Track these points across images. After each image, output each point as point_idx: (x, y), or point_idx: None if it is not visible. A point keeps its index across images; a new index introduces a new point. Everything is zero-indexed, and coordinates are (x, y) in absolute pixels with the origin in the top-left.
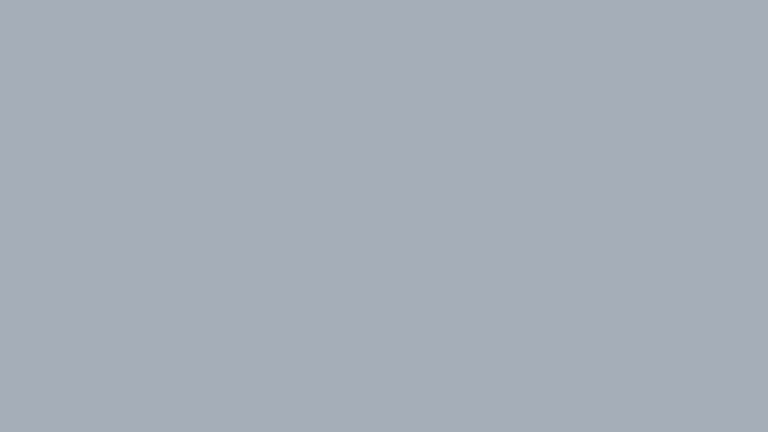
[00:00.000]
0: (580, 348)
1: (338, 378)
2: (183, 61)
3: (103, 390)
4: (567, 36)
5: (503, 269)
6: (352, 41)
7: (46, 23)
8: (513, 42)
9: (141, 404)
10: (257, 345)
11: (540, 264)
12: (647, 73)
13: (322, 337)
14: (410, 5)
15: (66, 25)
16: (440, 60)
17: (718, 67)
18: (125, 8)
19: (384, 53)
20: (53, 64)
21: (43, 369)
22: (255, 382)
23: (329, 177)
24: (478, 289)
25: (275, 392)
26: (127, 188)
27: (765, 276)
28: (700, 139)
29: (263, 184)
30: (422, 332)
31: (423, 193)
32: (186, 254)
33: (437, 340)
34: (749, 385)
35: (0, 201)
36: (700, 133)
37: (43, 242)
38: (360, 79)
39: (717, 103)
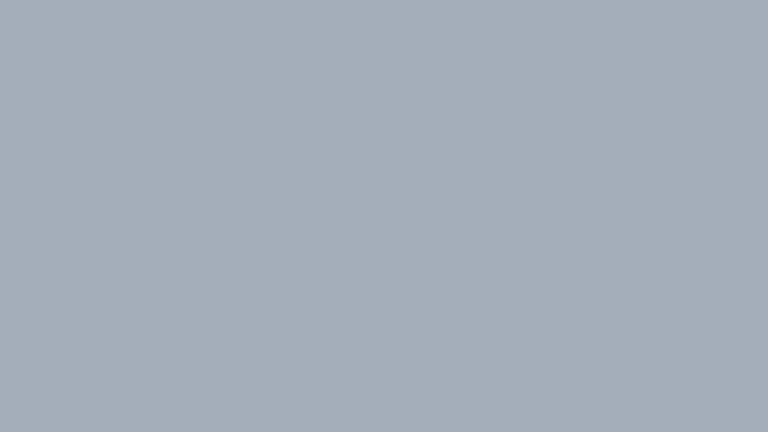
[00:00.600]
0: (580, 348)
1: (338, 378)
2: (184, 61)
3: (103, 390)
4: (567, 36)
5: (503, 269)
6: (352, 41)
7: (46, 23)
8: (513, 42)
9: (141, 404)
10: (257, 345)
11: (540, 264)
12: (647, 73)
13: (322, 337)
14: (410, 5)
15: (66, 25)
16: (440, 60)
17: (719, 67)
18: (125, 8)
19: (384, 53)
20: (53, 64)
21: (43, 369)
22: (255, 382)
23: (329, 177)
24: (478, 289)
25: (275, 392)
26: (127, 188)
27: (765, 276)
28: (700, 139)
29: (263, 184)
30: (422, 332)
31: (423, 193)
32: (186, 254)
33: (437, 340)
34: (749, 385)
35: (0, 201)
36: (700, 133)
37: (43, 242)
38: (360, 79)
39: (717, 103)
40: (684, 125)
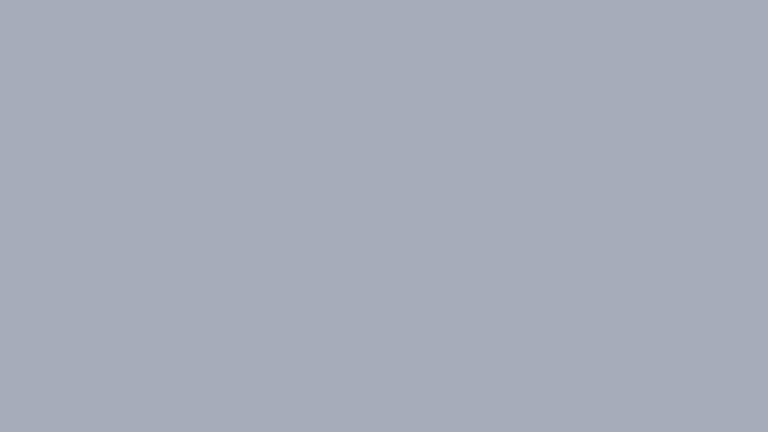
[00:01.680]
0: (580, 348)
1: (338, 378)
2: (183, 61)
3: (103, 390)
4: (567, 36)
5: (503, 269)
6: (352, 41)
7: (46, 23)
8: (513, 42)
9: (141, 404)
10: (257, 345)
11: (540, 264)
12: (647, 73)
13: (322, 337)
14: (410, 5)
15: (66, 25)
16: (440, 60)
17: (719, 67)
18: (125, 8)
19: (384, 53)
20: (53, 64)
21: (43, 369)
22: (255, 382)
23: (329, 177)
24: (478, 289)
25: (275, 392)
26: (127, 188)
27: (765, 276)
28: (700, 139)
29: (263, 184)
30: (422, 332)
31: (423, 193)
32: (186, 254)
33: (437, 340)
34: (749, 385)
35: (0, 201)
36: (700, 133)
37: (43, 242)
38: (360, 79)
39: (717, 103)
40: (684, 125)
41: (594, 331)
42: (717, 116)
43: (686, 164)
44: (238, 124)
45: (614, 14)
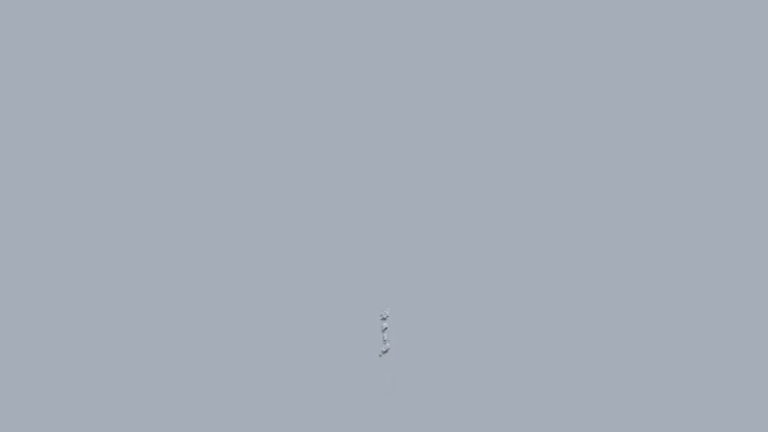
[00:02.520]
0: (580, 348)
1: (337, 378)
2: (183, 61)
3: (103, 389)
4: (567, 36)
5: (503, 269)
6: (352, 42)
7: (46, 23)
8: (513, 43)
9: (141, 404)
10: (257, 345)
11: (540, 264)
12: (647, 73)
13: (322, 336)
14: (410, 6)
15: (66, 25)
16: (440, 60)
17: (719, 67)
18: (125, 8)
19: (384, 54)
20: (53, 64)
21: (43, 369)
22: (255, 382)
23: (329, 177)
24: (478, 288)
25: (275, 392)
26: (127, 188)
27: (766, 276)
28: (700, 139)
29: (262, 184)
30: (422, 332)
31: (423, 192)
32: (186, 254)
33: (437, 340)
34: (749, 385)
35: (0, 201)
36: (700, 133)
37: (43, 242)
38: (359, 79)
39: (717, 103)
40: (684, 125)
41: (595, 331)
42: (717, 116)
43: (686, 164)
44: (238, 124)
45: (614, 14)
